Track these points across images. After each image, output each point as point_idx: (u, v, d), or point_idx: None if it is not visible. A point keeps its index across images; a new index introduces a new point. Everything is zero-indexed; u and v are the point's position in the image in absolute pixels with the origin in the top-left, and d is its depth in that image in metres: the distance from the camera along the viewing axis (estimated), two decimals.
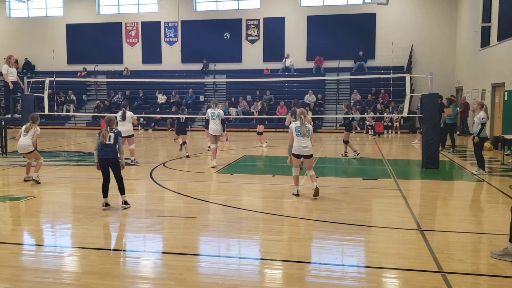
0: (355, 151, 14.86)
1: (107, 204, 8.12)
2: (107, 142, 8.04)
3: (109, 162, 8.09)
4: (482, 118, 11.72)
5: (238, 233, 6.93)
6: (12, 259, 5.76)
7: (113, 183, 8.21)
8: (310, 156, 9.18)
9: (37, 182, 10.41)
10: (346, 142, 14.90)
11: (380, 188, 10.23)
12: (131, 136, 13.38)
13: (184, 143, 14.76)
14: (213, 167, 12.62)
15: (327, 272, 5.38)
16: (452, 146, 16.80)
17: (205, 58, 30.09)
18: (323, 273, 5.36)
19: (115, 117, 9.05)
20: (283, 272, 5.42)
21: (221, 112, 13.06)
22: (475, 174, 11.75)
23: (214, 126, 12.81)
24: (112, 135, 8.11)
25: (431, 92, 12.81)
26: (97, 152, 8.10)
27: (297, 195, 9.25)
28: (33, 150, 10.65)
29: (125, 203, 8.26)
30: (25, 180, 10.75)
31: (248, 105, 27.43)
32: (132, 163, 13.15)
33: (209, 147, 14.59)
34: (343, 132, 15.66)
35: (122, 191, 8.23)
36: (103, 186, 8.14)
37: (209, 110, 13.09)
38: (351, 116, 15.31)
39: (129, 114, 13.34)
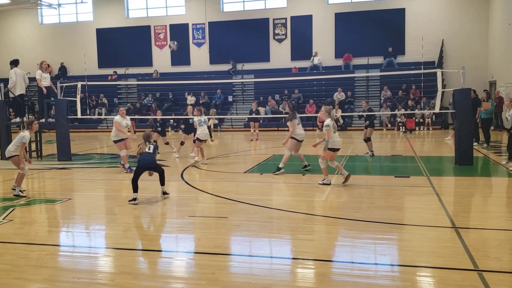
0: (372, 151, 14.66)
1: (135, 199, 8.62)
2: (147, 151, 8.80)
3: (150, 168, 8.88)
4: None
5: (269, 233, 6.92)
6: (49, 260, 5.89)
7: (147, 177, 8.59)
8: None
9: (19, 196, 9.30)
10: (368, 140, 14.70)
11: (413, 185, 10.08)
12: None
13: (167, 143, 16.47)
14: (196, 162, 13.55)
15: (360, 271, 5.32)
16: (486, 142, 16.40)
17: (231, 59, 30.21)
18: (356, 272, 5.31)
19: (152, 131, 9.99)
20: (316, 271, 5.39)
21: (207, 118, 14.12)
22: (504, 166, 11.54)
23: (203, 131, 13.59)
24: (152, 146, 8.94)
25: (464, 87, 12.55)
26: (139, 158, 8.82)
27: (329, 184, 9.91)
28: (15, 156, 9.47)
29: (164, 193, 9.05)
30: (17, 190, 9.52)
31: (276, 104, 27.39)
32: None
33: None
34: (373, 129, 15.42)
35: (162, 182, 9.01)
36: (134, 180, 8.64)
37: (196, 118, 13.71)
38: (371, 113, 15.14)
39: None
